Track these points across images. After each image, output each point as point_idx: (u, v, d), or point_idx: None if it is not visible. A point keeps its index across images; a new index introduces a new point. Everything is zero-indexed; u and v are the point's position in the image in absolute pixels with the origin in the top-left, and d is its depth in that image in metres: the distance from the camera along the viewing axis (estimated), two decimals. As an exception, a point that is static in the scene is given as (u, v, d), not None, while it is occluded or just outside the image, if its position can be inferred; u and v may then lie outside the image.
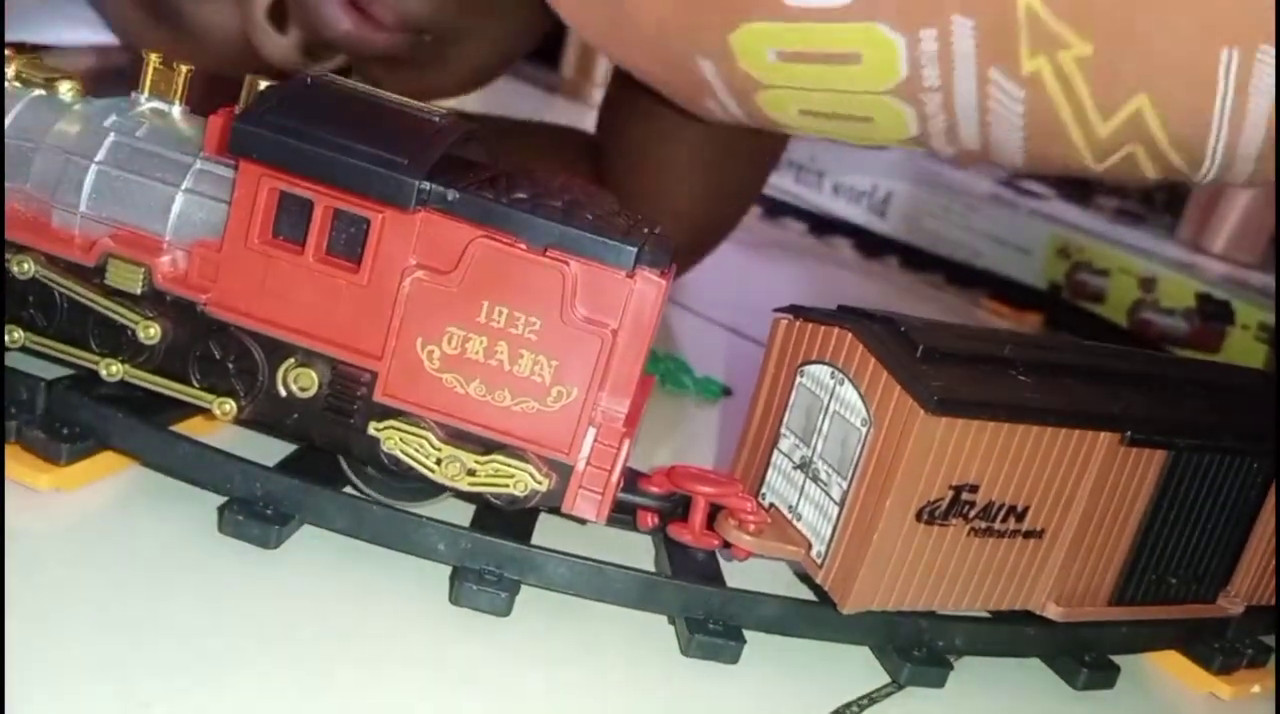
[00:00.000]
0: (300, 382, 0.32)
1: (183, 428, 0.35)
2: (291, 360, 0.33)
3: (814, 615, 0.35)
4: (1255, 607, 0.42)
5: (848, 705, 0.34)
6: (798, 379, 0.37)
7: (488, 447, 0.32)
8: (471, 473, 0.32)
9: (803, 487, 0.36)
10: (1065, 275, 1.03)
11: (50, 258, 0.33)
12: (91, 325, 0.33)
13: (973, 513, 0.34)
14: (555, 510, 0.33)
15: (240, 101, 0.32)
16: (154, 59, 0.35)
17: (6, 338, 0.33)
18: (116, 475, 0.34)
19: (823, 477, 0.35)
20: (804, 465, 0.36)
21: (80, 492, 0.33)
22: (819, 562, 0.35)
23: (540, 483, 0.32)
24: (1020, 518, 0.35)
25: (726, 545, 0.35)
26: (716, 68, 0.48)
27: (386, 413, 0.32)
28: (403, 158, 0.31)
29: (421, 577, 0.33)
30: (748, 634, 0.34)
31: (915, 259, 1.06)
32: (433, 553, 0.33)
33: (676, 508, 0.37)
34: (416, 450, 0.32)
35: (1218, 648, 0.41)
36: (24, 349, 0.34)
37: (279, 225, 0.32)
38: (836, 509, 0.34)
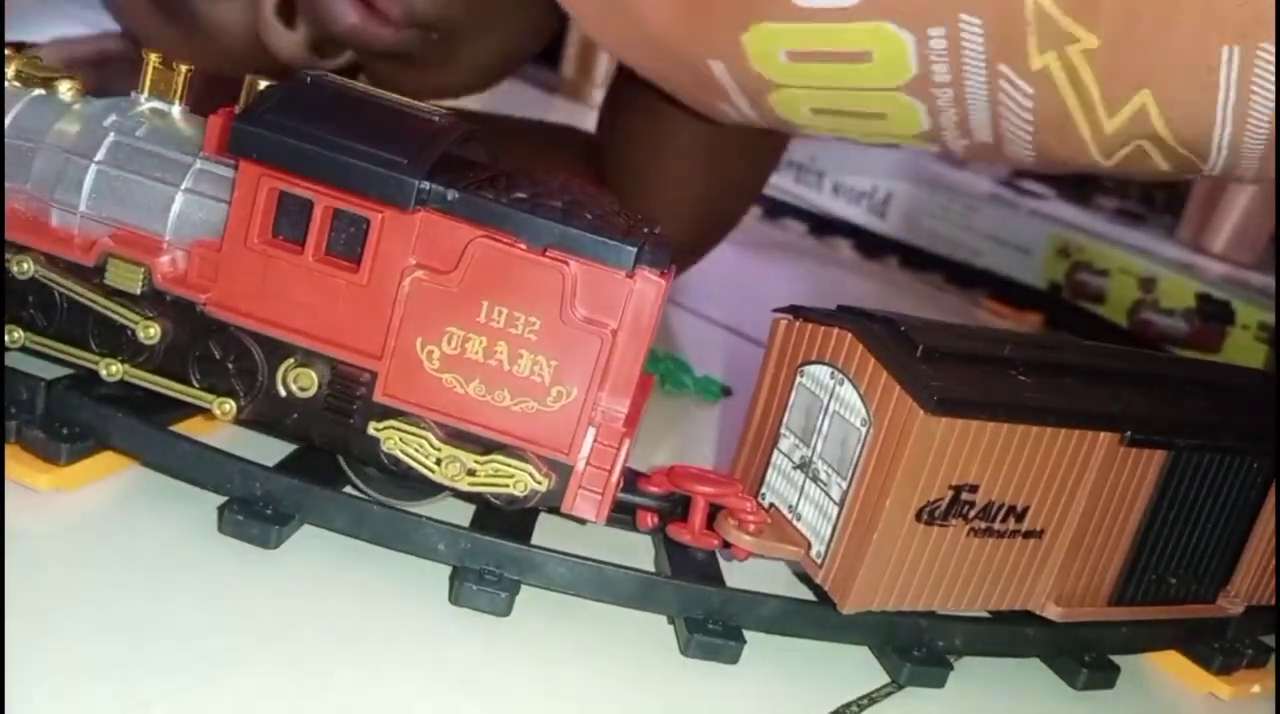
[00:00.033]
0: (300, 381, 0.32)
1: (183, 428, 0.36)
2: (291, 360, 0.33)
3: (814, 615, 0.35)
4: (1255, 607, 0.42)
5: (848, 705, 0.34)
6: (797, 379, 0.37)
7: (487, 447, 0.32)
8: (471, 473, 0.32)
9: (802, 487, 0.36)
10: (1065, 275, 1.03)
11: (50, 258, 0.33)
12: (91, 325, 0.33)
13: (972, 513, 0.34)
14: (555, 510, 0.33)
15: (240, 101, 0.32)
16: (154, 59, 0.35)
17: (6, 338, 0.33)
18: (116, 475, 0.34)
19: (822, 477, 0.35)
20: (804, 465, 0.36)
21: (80, 492, 0.33)
22: (819, 562, 0.35)
23: (540, 483, 0.32)
24: (1020, 518, 0.35)
25: (726, 545, 0.35)
26: (728, 69, 0.48)
27: (386, 413, 0.32)
28: (402, 158, 0.31)
29: (421, 577, 0.33)
30: (747, 634, 0.34)
31: (915, 259, 1.06)
32: (433, 553, 0.33)
33: (676, 508, 0.37)
34: (416, 450, 0.32)
35: (1218, 648, 0.41)
36: (24, 349, 0.34)
37: (279, 225, 0.32)
38: (836, 509, 0.34)
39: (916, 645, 0.35)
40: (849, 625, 0.35)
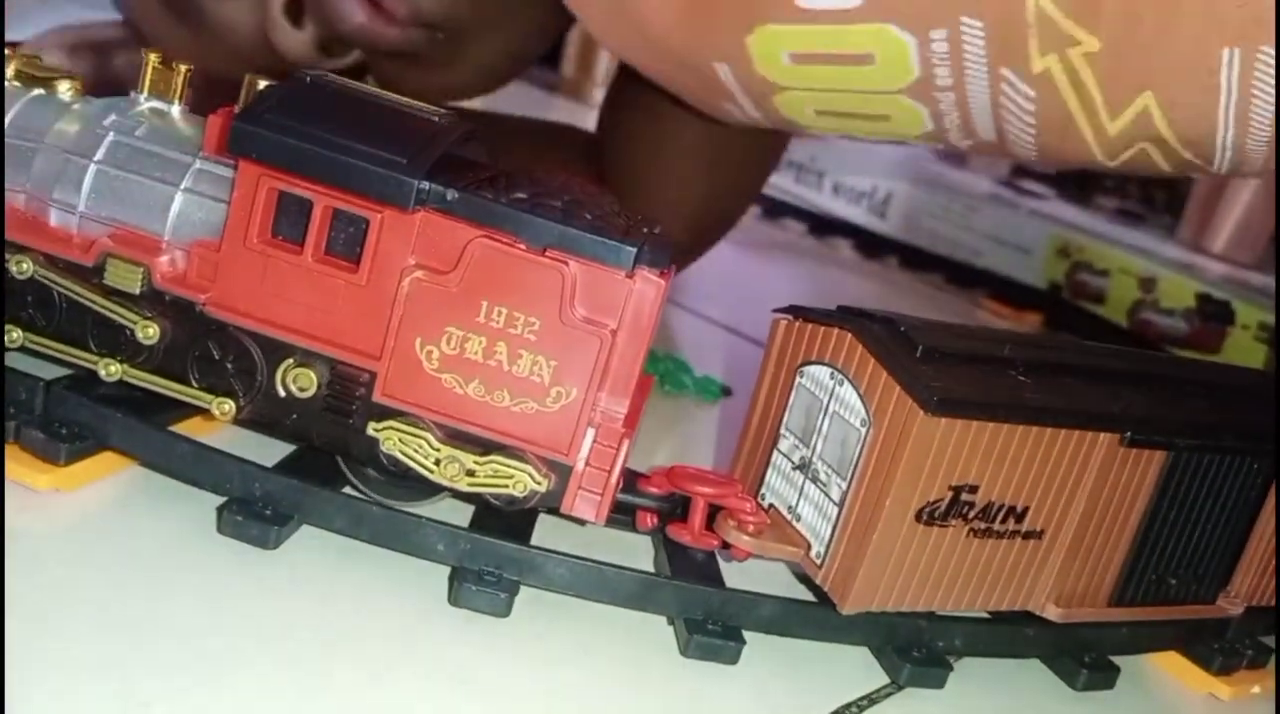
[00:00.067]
0: (299, 382, 0.32)
1: (182, 428, 0.35)
2: (290, 360, 0.33)
3: (813, 616, 0.35)
4: (1255, 607, 0.42)
5: (847, 706, 0.34)
6: (797, 379, 0.37)
7: (487, 447, 0.32)
8: (470, 473, 0.32)
9: (802, 487, 0.36)
10: (1065, 275, 1.03)
11: (49, 257, 0.33)
12: (90, 325, 0.33)
13: (972, 513, 0.34)
14: (554, 511, 0.33)
15: (239, 101, 0.32)
16: (153, 58, 0.35)
17: (5, 338, 0.33)
18: (116, 475, 0.34)
19: (822, 477, 0.35)
20: (803, 466, 0.36)
21: (80, 492, 0.33)
22: (818, 562, 0.35)
23: (539, 483, 0.32)
24: (1020, 518, 0.35)
25: (726, 546, 0.35)
26: (733, 72, 0.48)
27: (385, 413, 0.32)
28: (402, 157, 0.31)
29: (421, 577, 0.33)
30: (747, 634, 0.34)
31: (915, 259, 1.06)
32: (432, 553, 0.33)
33: (676, 508, 0.37)
34: (415, 451, 0.32)
35: (1217, 648, 0.41)
36: (23, 349, 0.34)
37: (278, 225, 0.32)
38: (836, 510, 0.34)
39: (916, 646, 0.35)
40: (849, 626, 0.35)
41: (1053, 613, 0.37)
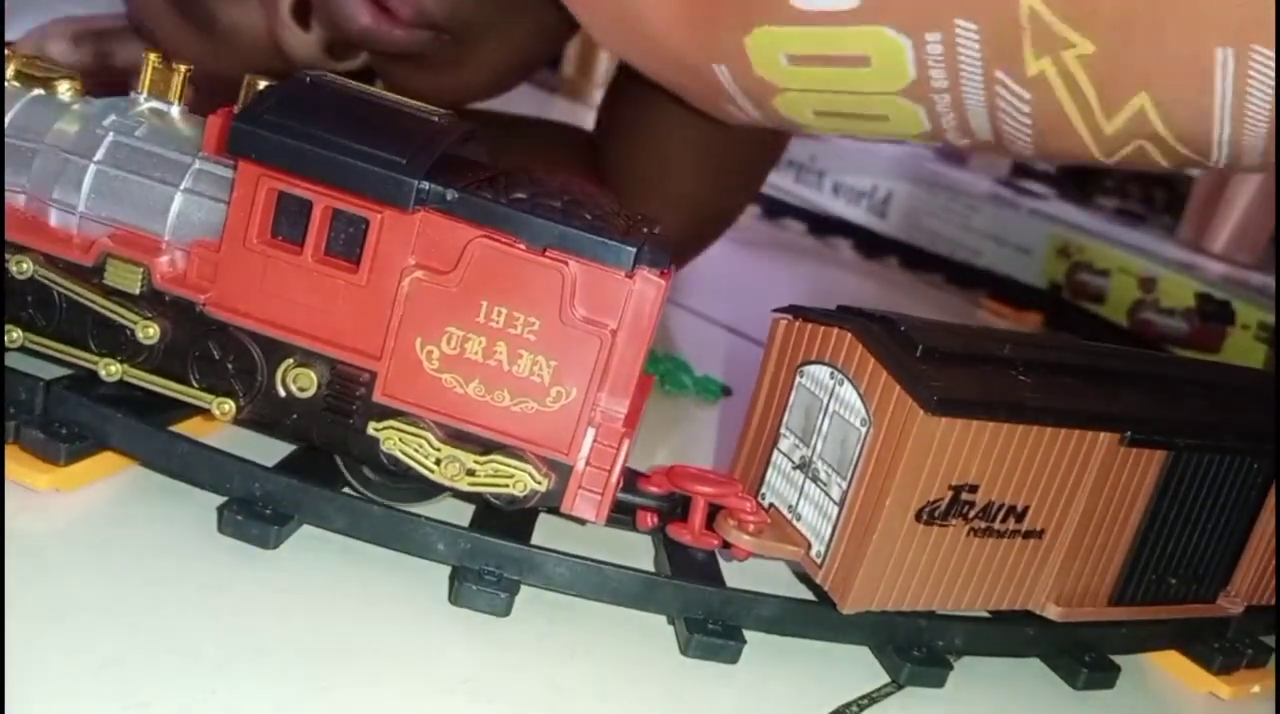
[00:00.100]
0: (299, 382, 0.32)
1: (182, 428, 0.35)
2: (290, 360, 0.33)
3: (813, 615, 0.35)
4: (1255, 607, 0.42)
5: (848, 705, 0.34)
6: (797, 379, 0.37)
7: (487, 447, 0.32)
8: (471, 473, 0.32)
9: (802, 487, 0.36)
10: (1065, 275, 1.03)
11: (49, 258, 0.33)
12: (90, 325, 0.33)
13: (972, 513, 0.34)
14: (555, 510, 0.33)
15: (239, 101, 0.32)
16: (153, 58, 0.35)
17: (5, 338, 0.33)
18: (116, 475, 0.34)
19: (822, 477, 0.35)
20: (804, 465, 0.36)
21: (80, 492, 0.33)
22: (818, 562, 0.35)
23: (539, 483, 0.32)
24: (1020, 518, 0.35)
25: (726, 545, 0.35)
26: (732, 73, 0.48)
27: (386, 413, 0.32)
28: (401, 158, 0.31)
29: (421, 577, 0.33)
30: (747, 634, 0.34)
31: (915, 259, 1.06)
32: (432, 553, 0.33)
33: (676, 508, 0.37)
34: (415, 450, 0.32)
35: (1218, 648, 0.41)
36: (23, 349, 0.34)
37: (278, 225, 0.32)
38: (836, 509, 0.34)
39: (916, 645, 0.35)
40: (849, 625, 0.35)
41: (1053, 612, 0.37)
